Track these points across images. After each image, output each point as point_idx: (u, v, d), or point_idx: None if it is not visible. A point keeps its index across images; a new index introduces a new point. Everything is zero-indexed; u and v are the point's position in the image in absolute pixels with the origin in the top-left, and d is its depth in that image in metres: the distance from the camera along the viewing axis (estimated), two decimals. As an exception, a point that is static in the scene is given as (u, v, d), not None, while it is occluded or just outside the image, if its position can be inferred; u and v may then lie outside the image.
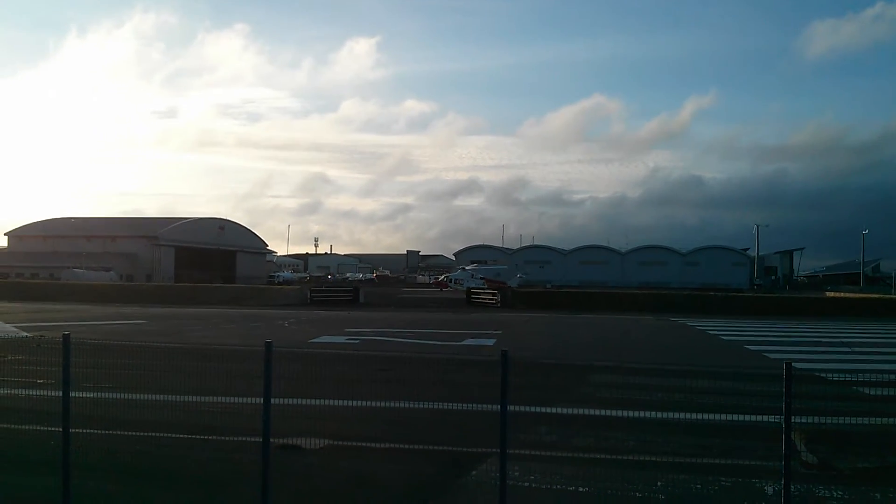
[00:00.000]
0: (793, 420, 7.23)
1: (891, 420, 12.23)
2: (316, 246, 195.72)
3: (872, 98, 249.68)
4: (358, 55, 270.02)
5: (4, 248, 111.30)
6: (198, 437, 11.17)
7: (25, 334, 25.32)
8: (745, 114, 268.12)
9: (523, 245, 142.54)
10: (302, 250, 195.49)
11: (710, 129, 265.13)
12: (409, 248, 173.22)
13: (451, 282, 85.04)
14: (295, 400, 10.16)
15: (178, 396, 10.42)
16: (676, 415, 11.13)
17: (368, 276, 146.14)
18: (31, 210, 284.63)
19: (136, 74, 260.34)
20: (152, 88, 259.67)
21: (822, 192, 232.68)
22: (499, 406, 7.54)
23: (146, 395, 10.97)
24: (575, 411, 13.59)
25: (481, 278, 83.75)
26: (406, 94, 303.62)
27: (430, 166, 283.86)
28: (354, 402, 11.18)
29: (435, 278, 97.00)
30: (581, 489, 9.42)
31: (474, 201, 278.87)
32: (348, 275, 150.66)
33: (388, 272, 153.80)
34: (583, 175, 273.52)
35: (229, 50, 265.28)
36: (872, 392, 12.99)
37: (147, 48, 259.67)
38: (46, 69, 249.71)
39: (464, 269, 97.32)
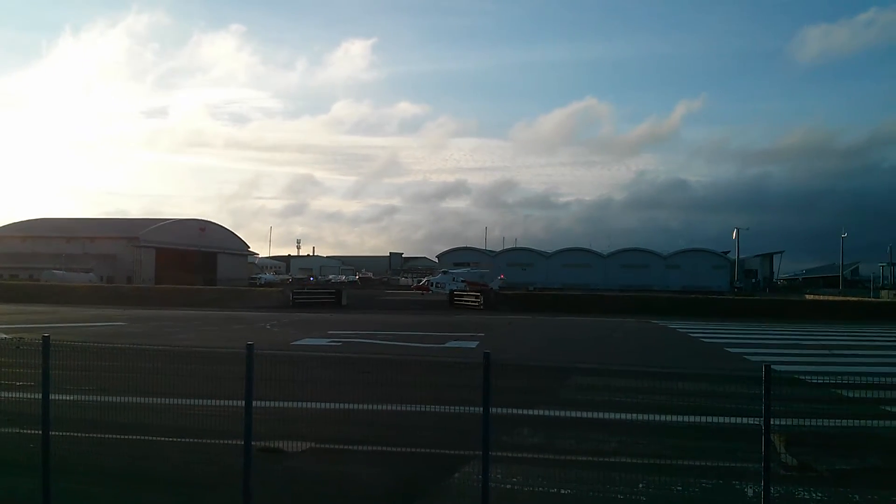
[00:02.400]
0: (772, 422, 7.30)
1: (870, 422, 12.36)
2: (298, 248, 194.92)
3: (862, 102, 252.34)
4: (353, 56, 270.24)
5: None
6: (179, 439, 11.10)
7: (4, 336, 25.07)
8: (734, 117, 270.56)
9: (506, 247, 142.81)
10: (285, 252, 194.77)
11: (699, 132, 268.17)
12: (394, 250, 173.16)
13: (432, 285, 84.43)
14: (277, 403, 10.12)
15: (158, 399, 10.37)
16: (658, 417, 11.17)
17: (351, 278, 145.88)
18: (17, 210, 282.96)
19: (128, 75, 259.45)
20: (144, 89, 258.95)
21: (806, 195, 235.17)
22: (481, 408, 7.56)
23: (127, 398, 10.88)
24: (557, 413, 13.63)
25: (462, 281, 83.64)
26: (400, 95, 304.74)
27: (418, 168, 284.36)
28: (337, 405, 11.14)
29: (417, 282, 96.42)
30: (563, 491, 9.46)
31: (461, 203, 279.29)
32: (331, 277, 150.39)
33: (370, 274, 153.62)
34: (570, 178, 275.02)
35: (223, 51, 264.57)
36: (851, 394, 13.11)
37: (140, 48, 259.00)
38: (40, 69, 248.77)
39: (445, 272, 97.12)
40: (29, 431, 9.21)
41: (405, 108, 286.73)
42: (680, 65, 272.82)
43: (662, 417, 10.44)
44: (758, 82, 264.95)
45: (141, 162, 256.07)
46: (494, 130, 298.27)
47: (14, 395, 10.62)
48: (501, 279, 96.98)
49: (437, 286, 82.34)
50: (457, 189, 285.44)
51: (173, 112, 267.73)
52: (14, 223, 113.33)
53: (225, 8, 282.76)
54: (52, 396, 8.19)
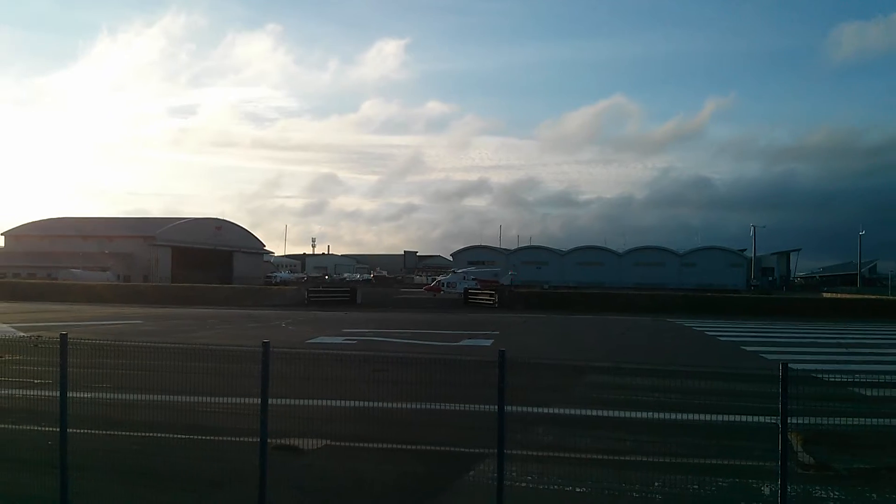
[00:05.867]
0: (789, 421, 7.25)
1: (887, 421, 12.26)
2: (313, 246, 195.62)
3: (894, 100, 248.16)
4: (385, 56, 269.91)
5: (1, 249, 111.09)
6: (195, 437, 11.16)
7: (22, 334, 25.30)
8: (763, 115, 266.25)
9: (521, 245, 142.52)
10: (300, 251, 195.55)
11: (727, 130, 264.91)
12: (410, 249, 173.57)
13: (443, 286, 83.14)
14: (292, 400, 10.15)
15: (175, 397, 10.41)
16: (673, 415, 11.13)
17: (366, 276, 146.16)
18: (40, 209, 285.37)
19: (162, 75, 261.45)
20: (176, 89, 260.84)
21: (829, 193, 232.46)
22: (496, 406, 7.55)
23: (143, 396, 10.95)
24: (572, 412, 13.60)
25: (474, 279, 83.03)
26: (430, 94, 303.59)
27: (441, 166, 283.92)
28: (352, 403, 11.18)
29: (428, 284, 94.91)
30: (578, 489, 9.43)
31: (481, 202, 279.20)
32: (345, 275, 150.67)
33: (385, 273, 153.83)
34: (592, 176, 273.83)
35: (258, 50, 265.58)
36: (869, 393, 13.02)
37: (175, 49, 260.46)
38: (75, 70, 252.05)
39: (454, 271, 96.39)
40: (47, 429, 9.29)
41: (434, 107, 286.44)
42: (711, 62, 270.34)
43: (678, 416, 10.41)
44: (789, 80, 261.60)
45: (166, 162, 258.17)
46: (520, 129, 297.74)
47: (32, 393, 10.73)
48: (512, 274, 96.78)
49: (448, 286, 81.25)
50: (478, 187, 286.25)
51: (202, 112, 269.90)
52: (32, 222, 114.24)
53: (262, 8, 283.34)
54: (69, 394, 8.25)
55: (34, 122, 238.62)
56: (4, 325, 33.00)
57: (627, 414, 11.89)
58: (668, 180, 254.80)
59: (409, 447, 11.35)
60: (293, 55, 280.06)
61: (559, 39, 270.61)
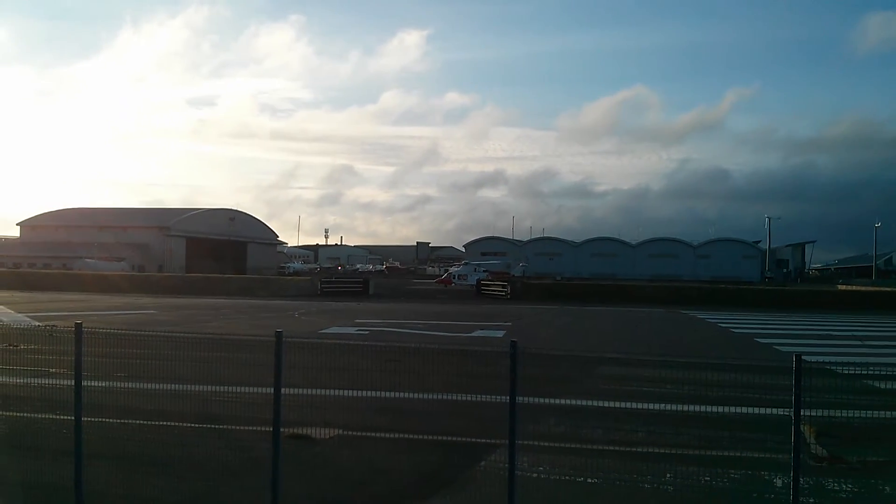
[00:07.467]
0: (802, 413, 7.21)
1: (902, 413, 12.17)
2: (326, 237, 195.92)
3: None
4: (407, 47, 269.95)
5: (17, 239, 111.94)
6: (209, 426, 11.22)
7: (38, 324, 25.49)
8: (785, 106, 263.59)
9: (534, 237, 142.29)
10: (313, 241, 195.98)
11: (747, 121, 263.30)
12: (424, 240, 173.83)
13: (454, 278, 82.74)
14: (305, 390, 10.19)
15: (189, 386, 10.47)
16: (686, 407, 11.09)
17: (378, 267, 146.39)
18: (58, 199, 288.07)
19: (184, 66, 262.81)
20: (196, 79, 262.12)
21: (847, 185, 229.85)
22: (508, 397, 7.55)
23: (157, 385, 11.01)
24: (584, 403, 13.59)
25: (485, 271, 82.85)
26: (450, 85, 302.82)
27: (458, 157, 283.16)
28: (364, 393, 11.21)
29: (440, 276, 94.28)
30: (590, 480, 9.44)
31: (496, 193, 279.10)
32: (358, 266, 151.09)
33: (398, 263, 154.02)
34: (609, 167, 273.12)
35: (281, 42, 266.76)
36: (883, 386, 12.92)
37: (198, 39, 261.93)
38: (97, 60, 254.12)
39: (466, 263, 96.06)
40: (62, 417, 9.37)
41: (453, 98, 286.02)
42: (734, 53, 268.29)
43: (690, 408, 10.37)
44: (813, 71, 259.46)
45: (185, 152, 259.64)
46: (538, 120, 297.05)
47: (48, 382, 10.81)
48: (523, 266, 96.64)
49: (458, 278, 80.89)
50: (494, 179, 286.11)
51: (222, 103, 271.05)
52: (47, 213, 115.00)
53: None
54: (84, 383, 8.31)
55: (55, 112, 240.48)
56: (20, 315, 33.29)
57: (640, 405, 11.85)
58: (685, 172, 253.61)
59: (420, 437, 11.40)
60: (315, 46, 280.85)
61: (581, 29, 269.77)
